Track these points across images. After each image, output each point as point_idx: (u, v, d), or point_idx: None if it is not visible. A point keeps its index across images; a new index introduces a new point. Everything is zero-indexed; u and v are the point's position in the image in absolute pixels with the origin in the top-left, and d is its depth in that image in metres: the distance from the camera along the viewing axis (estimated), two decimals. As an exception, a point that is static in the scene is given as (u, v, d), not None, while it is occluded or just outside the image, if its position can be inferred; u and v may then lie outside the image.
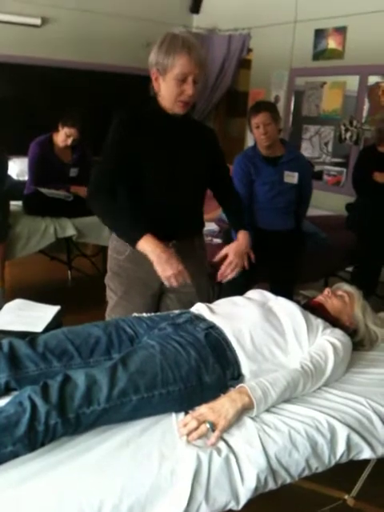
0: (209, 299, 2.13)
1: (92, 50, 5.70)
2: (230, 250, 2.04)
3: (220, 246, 3.28)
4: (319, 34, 5.01)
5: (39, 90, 5.50)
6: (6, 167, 3.70)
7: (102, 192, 1.87)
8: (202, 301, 1.96)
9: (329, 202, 4.77)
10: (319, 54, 5.05)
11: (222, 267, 2.01)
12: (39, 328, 2.30)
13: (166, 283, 1.80)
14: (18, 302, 2.62)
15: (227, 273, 2.02)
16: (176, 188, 1.95)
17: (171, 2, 6.08)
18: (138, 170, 1.90)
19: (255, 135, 3.12)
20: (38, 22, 5.42)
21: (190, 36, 1.86)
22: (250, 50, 5.75)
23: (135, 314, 1.86)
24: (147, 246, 1.76)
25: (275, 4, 5.30)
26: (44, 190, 3.88)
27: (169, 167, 1.93)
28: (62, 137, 3.95)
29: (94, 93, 5.73)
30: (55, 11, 5.46)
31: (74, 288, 4.52)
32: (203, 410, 1.39)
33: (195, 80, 1.81)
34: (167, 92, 1.84)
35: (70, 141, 3.94)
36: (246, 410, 1.43)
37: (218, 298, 2.79)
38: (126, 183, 1.93)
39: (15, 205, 3.91)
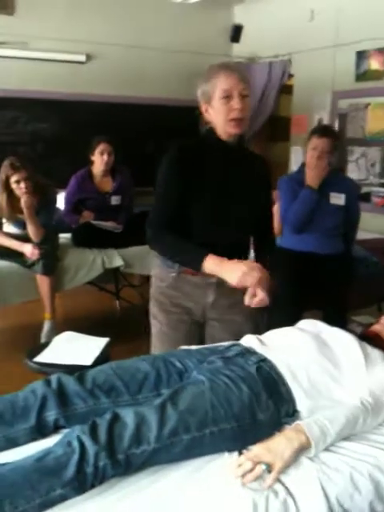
0: (258, 329, 2.07)
1: (136, 84, 5.81)
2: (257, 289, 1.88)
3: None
4: (361, 55, 4.97)
5: (85, 125, 5.62)
6: (54, 202, 3.77)
7: (161, 233, 1.88)
8: (251, 330, 1.92)
9: (378, 225, 4.64)
10: (362, 75, 4.98)
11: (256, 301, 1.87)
12: (88, 361, 2.31)
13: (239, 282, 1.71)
14: (67, 335, 2.64)
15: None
16: (228, 220, 1.91)
17: (212, 32, 6.15)
18: (190, 202, 1.87)
19: (308, 155, 3.07)
20: (82, 58, 5.58)
21: (229, 61, 1.87)
22: (290, 76, 5.74)
23: (183, 347, 1.82)
24: (212, 264, 1.75)
25: (315, 29, 5.28)
26: (94, 222, 3.95)
27: (222, 196, 1.89)
28: (99, 159, 3.99)
29: (140, 126, 5.82)
30: (99, 48, 5.61)
31: (123, 318, 4.54)
32: (258, 450, 1.33)
33: (242, 94, 1.78)
34: (217, 116, 1.82)
35: (106, 156, 3.97)
36: (303, 449, 1.35)
37: (268, 327, 2.73)
38: (179, 216, 1.90)
39: (63, 237, 3.97)
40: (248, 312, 2.05)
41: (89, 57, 5.63)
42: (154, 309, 2.10)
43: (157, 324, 2.08)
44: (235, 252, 1.95)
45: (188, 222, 1.90)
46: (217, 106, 1.80)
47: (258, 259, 2.14)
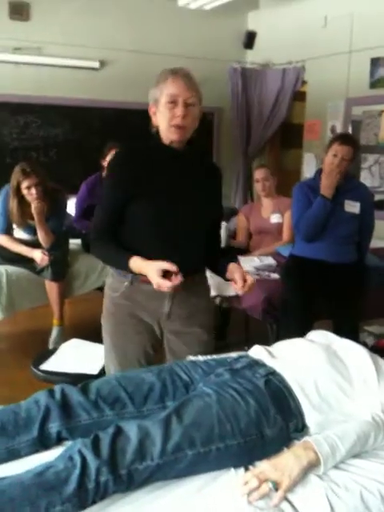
0: (215, 336, 2.07)
1: (149, 91, 5.80)
2: (245, 274, 1.87)
3: (277, 282, 3.19)
4: (375, 62, 4.91)
5: (98, 131, 5.63)
6: (65, 208, 3.76)
7: (95, 239, 1.90)
8: (209, 340, 1.97)
9: (392, 233, 4.57)
10: (376, 82, 4.93)
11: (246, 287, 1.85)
12: (94, 370, 2.29)
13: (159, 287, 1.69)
14: (74, 342, 2.62)
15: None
16: (175, 224, 1.85)
17: (225, 39, 6.13)
18: (134, 206, 1.82)
19: (326, 161, 3.03)
20: (96, 65, 5.58)
21: (182, 67, 1.84)
22: (304, 82, 5.70)
23: (190, 357, 1.78)
24: (136, 265, 1.75)
25: (329, 36, 5.24)
26: None
27: (167, 203, 1.83)
28: None
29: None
30: (113, 54, 5.61)
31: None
32: (265, 467, 1.29)
33: (187, 103, 1.76)
34: (161, 120, 1.81)
35: None
36: (312, 466, 1.31)
37: (277, 338, 2.68)
38: (122, 220, 1.86)
39: (74, 243, 3.95)
40: (205, 322, 1.99)
41: (103, 63, 5.63)
42: (105, 321, 2.00)
43: (108, 337, 1.99)
44: (184, 251, 1.86)
45: (133, 228, 1.85)
46: (162, 111, 1.79)
47: (217, 261, 2.04)
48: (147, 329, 1.94)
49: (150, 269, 1.70)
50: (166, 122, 1.79)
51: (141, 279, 1.82)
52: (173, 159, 1.86)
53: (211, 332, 2.02)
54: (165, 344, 2.00)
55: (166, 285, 1.66)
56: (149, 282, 1.76)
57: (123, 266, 1.81)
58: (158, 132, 1.85)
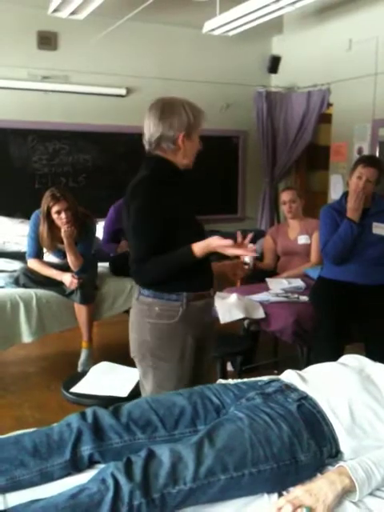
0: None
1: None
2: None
3: (307, 305, 3.17)
4: (401, 83, 4.91)
5: (125, 156, 5.72)
6: (94, 232, 3.81)
7: (145, 261, 1.89)
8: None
9: None
10: (403, 103, 4.92)
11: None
12: (124, 393, 2.29)
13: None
14: (103, 365, 2.63)
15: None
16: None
17: (249, 64, 6.20)
18: (176, 231, 1.89)
19: (351, 183, 3.03)
20: (123, 92, 5.71)
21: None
22: (330, 105, 5.72)
23: (221, 381, 1.77)
24: (199, 248, 1.84)
25: (354, 58, 5.26)
26: None
27: (196, 223, 2.02)
28: None
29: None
30: (139, 81, 5.72)
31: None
32: (299, 492, 1.27)
33: None
34: (192, 148, 2.00)
35: None
36: (346, 493, 1.28)
37: (308, 361, 2.65)
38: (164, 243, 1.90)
39: (101, 266, 4.00)
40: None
41: (129, 90, 5.75)
42: (160, 350, 1.96)
43: (164, 365, 1.96)
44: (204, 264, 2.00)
45: (175, 242, 1.90)
46: (195, 140, 2.00)
47: None
48: (198, 345, 1.99)
49: (212, 240, 1.84)
50: (195, 151, 2.02)
51: (194, 297, 1.94)
52: (186, 183, 2.03)
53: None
54: (203, 356, 2.04)
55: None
56: (199, 298, 1.96)
57: (189, 257, 1.86)
58: (164, 158, 1.97)
